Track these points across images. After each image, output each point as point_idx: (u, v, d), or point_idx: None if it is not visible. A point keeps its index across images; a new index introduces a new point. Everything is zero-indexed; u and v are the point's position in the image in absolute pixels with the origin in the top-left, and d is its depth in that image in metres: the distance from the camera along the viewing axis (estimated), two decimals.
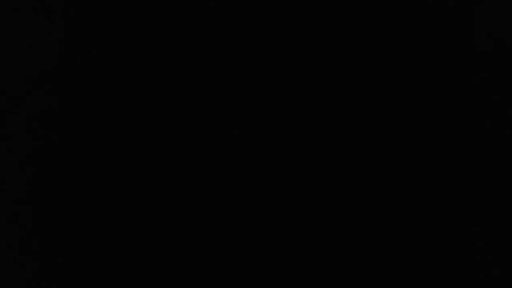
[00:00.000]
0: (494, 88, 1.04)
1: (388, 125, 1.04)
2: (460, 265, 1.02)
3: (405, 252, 1.03)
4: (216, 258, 1.02)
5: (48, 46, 1.04)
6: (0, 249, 1.01)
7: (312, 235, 1.03)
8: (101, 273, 1.02)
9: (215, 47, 1.04)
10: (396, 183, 1.03)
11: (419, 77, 1.04)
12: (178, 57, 1.04)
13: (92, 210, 1.02)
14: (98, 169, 1.03)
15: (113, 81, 1.04)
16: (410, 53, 1.04)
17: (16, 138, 1.03)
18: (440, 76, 1.04)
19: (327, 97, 1.04)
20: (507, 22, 1.04)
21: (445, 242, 1.03)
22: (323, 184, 1.03)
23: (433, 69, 1.04)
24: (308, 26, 1.04)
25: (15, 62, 1.03)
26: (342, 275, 1.02)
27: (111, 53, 1.04)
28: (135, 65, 1.04)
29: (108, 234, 1.02)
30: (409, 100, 1.04)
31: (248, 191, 1.03)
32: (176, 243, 1.03)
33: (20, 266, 1.02)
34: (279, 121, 1.04)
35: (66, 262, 1.02)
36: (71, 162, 1.03)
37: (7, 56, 1.03)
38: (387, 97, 1.04)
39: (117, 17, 1.04)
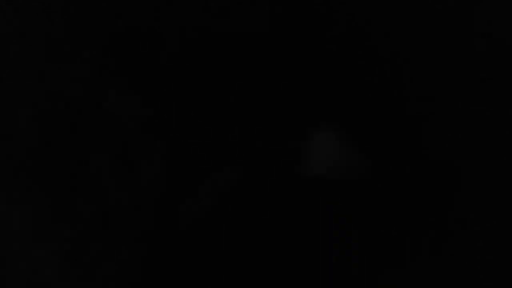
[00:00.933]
0: (494, 88, 1.04)
1: (388, 125, 1.04)
2: (460, 265, 1.03)
3: (405, 252, 1.03)
4: (216, 257, 1.03)
5: (48, 46, 1.04)
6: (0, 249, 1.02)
7: (312, 235, 1.03)
8: (101, 273, 1.02)
9: (215, 47, 1.04)
10: (396, 183, 1.03)
11: (419, 77, 1.04)
12: (178, 57, 1.04)
13: (92, 210, 1.02)
14: (99, 169, 1.03)
15: (113, 81, 1.04)
16: (410, 53, 1.05)
17: (16, 138, 1.03)
18: (440, 76, 1.04)
19: (327, 97, 1.04)
20: (507, 22, 1.05)
21: (445, 242, 1.03)
22: (323, 183, 1.04)
23: (433, 69, 1.04)
24: (308, 26, 1.05)
25: (15, 62, 1.03)
26: (342, 275, 1.03)
27: (111, 53, 1.04)
28: (135, 65, 1.04)
29: (108, 233, 1.02)
30: (409, 100, 1.04)
31: (248, 190, 1.03)
32: (176, 242, 1.03)
33: (19, 267, 1.02)
34: (279, 120, 1.04)
35: (66, 262, 1.02)
36: (71, 163, 1.03)
37: (7, 56, 1.03)
38: (387, 97, 1.04)
39: (117, 17, 1.04)
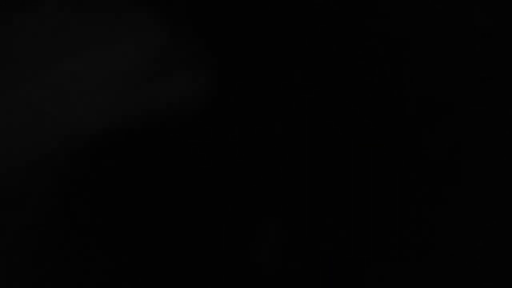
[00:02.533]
0: (494, 88, 1.04)
1: (388, 125, 1.04)
2: (459, 265, 1.02)
3: (404, 252, 1.03)
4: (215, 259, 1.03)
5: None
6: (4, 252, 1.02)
7: (311, 233, 1.03)
8: (102, 275, 1.02)
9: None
10: (395, 183, 1.03)
11: (419, 77, 1.04)
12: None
13: (93, 213, 1.02)
14: (96, 170, 1.03)
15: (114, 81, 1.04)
16: (410, 53, 1.05)
17: (17, 139, 1.03)
18: (440, 76, 1.04)
19: (327, 97, 1.04)
20: (507, 22, 1.05)
21: (444, 242, 1.03)
22: (323, 183, 1.04)
23: (433, 69, 1.04)
24: (308, 26, 1.05)
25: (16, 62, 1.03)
26: (342, 274, 1.03)
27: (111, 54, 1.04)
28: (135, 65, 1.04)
29: (108, 235, 1.02)
30: (409, 100, 1.04)
31: (248, 192, 1.03)
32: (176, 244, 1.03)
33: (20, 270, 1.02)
34: (278, 120, 1.04)
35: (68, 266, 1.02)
36: (71, 164, 1.03)
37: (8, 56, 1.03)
38: (387, 97, 1.04)
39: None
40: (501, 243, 1.02)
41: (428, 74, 1.04)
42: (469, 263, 1.02)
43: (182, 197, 1.03)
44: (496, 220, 1.03)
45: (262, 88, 1.04)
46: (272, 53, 1.05)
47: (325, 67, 1.04)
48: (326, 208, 1.03)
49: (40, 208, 1.02)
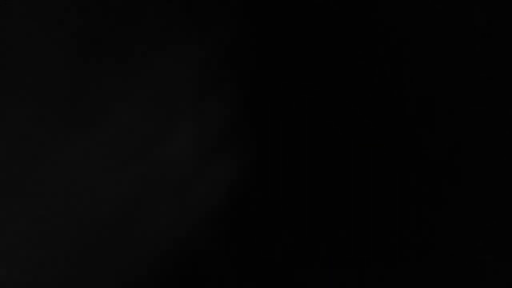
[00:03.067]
0: (494, 88, 1.04)
1: (388, 125, 1.04)
2: (459, 265, 1.02)
3: (404, 252, 1.03)
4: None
5: (47, 46, 1.04)
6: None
7: (310, 233, 1.03)
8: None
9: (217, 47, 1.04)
10: (395, 183, 1.03)
11: (419, 77, 1.04)
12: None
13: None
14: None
15: (114, 82, 1.04)
16: (410, 53, 1.05)
17: (14, 137, 1.03)
18: (440, 76, 1.04)
19: (327, 97, 1.04)
20: (507, 22, 1.05)
21: (444, 242, 1.03)
22: (323, 183, 1.03)
23: (433, 69, 1.04)
24: (308, 26, 1.05)
25: (15, 62, 1.03)
26: (342, 274, 1.03)
27: (110, 54, 1.04)
28: (134, 65, 1.04)
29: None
30: (409, 100, 1.04)
31: (248, 191, 1.03)
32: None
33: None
34: (278, 120, 1.04)
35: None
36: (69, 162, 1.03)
37: (8, 56, 1.03)
38: (387, 97, 1.04)
39: (117, 16, 1.04)
40: (501, 243, 1.02)
41: (428, 74, 1.04)
42: (469, 263, 1.02)
43: None
44: (496, 220, 1.03)
45: (260, 86, 1.04)
46: (272, 52, 1.04)
47: (325, 67, 1.04)
48: (326, 208, 1.03)
49: None
